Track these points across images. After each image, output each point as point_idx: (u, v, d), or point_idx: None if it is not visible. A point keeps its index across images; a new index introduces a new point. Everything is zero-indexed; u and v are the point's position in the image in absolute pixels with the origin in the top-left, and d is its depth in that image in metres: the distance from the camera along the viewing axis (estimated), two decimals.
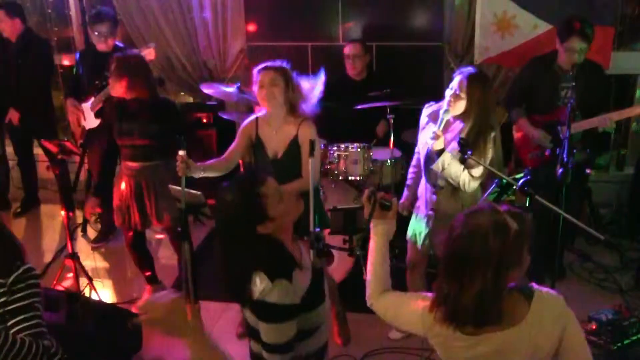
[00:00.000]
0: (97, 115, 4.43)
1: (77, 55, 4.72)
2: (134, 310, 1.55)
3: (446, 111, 2.99)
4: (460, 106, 2.96)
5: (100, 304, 3.74)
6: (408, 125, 4.20)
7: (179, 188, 3.12)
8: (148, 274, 3.99)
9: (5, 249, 2.16)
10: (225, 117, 4.77)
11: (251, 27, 5.03)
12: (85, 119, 4.53)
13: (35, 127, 4.96)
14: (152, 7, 5.02)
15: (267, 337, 1.91)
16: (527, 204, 2.51)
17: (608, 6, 4.28)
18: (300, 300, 1.93)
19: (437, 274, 1.85)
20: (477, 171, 2.97)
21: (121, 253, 4.55)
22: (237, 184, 2.02)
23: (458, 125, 3.05)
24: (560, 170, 3.05)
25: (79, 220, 5.10)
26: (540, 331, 1.74)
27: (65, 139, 4.73)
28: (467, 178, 2.97)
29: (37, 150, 5.34)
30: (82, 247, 4.77)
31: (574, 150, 3.25)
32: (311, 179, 2.40)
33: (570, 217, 2.48)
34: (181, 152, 3.02)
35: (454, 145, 2.92)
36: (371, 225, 2.05)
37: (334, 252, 3.74)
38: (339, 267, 3.88)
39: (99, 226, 4.97)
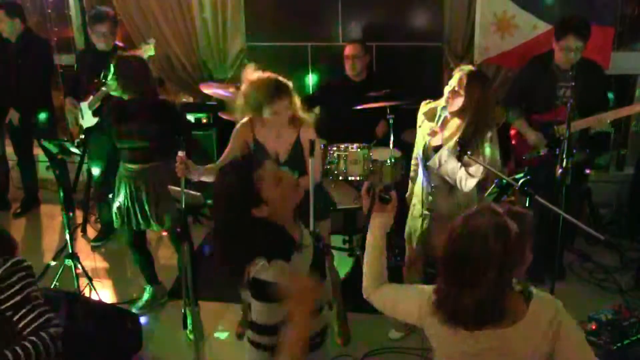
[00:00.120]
0: (95, 114, 4.43)
1: (77, 55, 4.73)
2: None
3: (444, 108, 2.99)
4: (458, 103, 2.95)
5: (100, 304, 3.75)
6: (408, 126, 4.18)
7: (179, 189, 3.12)
8: (148, 273, 3.99)
9: None
10: (225, 117, 4.77)
11: (251, 27, 5.03)
12: (83, 118, 4.53)
13: (35, 127, 4.96)
14: (152, 7, 5.02)
15: (257, 316, 1.92)
16: (527, 204, 2.51)
17: (608, 6, 4.27)
18: None
19: (437, 274, 1.86)
20: (474, 169, 2.96)
21: (121, 253, 4.55)
22: (235, 166, 2.04)
23: (455, 122, 3.04)
24: (560, 171, 3.06)
25: (79, 220, 5.10)
26: (538, 331, 1.75)
27: (65, 139, 4.74)
28: (464, 176, 2.95)
29: (37, 151, 5.34)
30: (82, 247, 4.76)
31: (574, 150, 3.26)
32: (311, 179, 2.40)
33: (570, 217, 2.49)
34: (180, 153, 3.02)
35: (451, 143, 2.93)
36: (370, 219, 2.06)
37: None
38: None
39: (99, 226, 4.97)
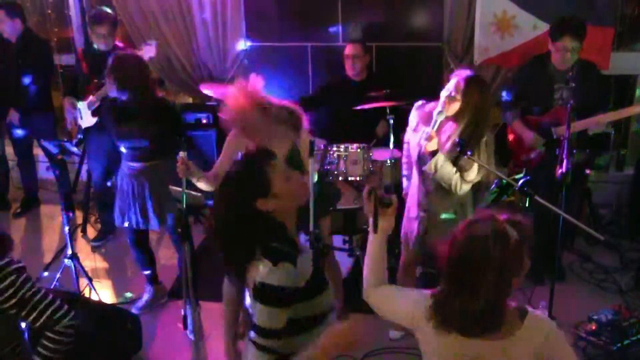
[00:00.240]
0: (94, 114, 4.43)
1: (77, 55, 4.72)
2: None
3: (440, 112, 2.97)
4: (455, 108, 2.93)
5: (100, 304, 3.75)
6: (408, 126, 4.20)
7: (180, 189, 3.12)
8: (148, 273, 3.99)
9: None
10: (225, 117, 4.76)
11: (251, 27, 5.03)
12: (82, 118, 4.53)
13: (35, 127, 4.97)
14: (152, 7, 5.02)
15: (262, 320, 1.91)
16: (527, 204, 2.52)
17: (608, 6, 4.27)
18: (305, 284, 1.91)
19: (436, 274, 1.87)
20: (470, 175, 2.97)
21: (121, 253, 4.56)
22: (247, 156, 2.06)
23: (451, 125, 3.02)
24: (560, 171, 3.06)
25: (79, 220, 5.10)
26: (530, 348, 1.79)
27: (65, 139, 4.74)
28: (459, 181, 2.97)
29: (37, 151, 5.34)
30: (82, 247, 4.77)
31: (574, 151, 3.26)
32: (311, 179, 2.40)
33: (570, 217, 2.49)
34: (182, 154, 3.02)
35: (448, 146, 2.92)
36: (371, 221, 2.06)
37: None
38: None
39: (99, 226, 4.98)
